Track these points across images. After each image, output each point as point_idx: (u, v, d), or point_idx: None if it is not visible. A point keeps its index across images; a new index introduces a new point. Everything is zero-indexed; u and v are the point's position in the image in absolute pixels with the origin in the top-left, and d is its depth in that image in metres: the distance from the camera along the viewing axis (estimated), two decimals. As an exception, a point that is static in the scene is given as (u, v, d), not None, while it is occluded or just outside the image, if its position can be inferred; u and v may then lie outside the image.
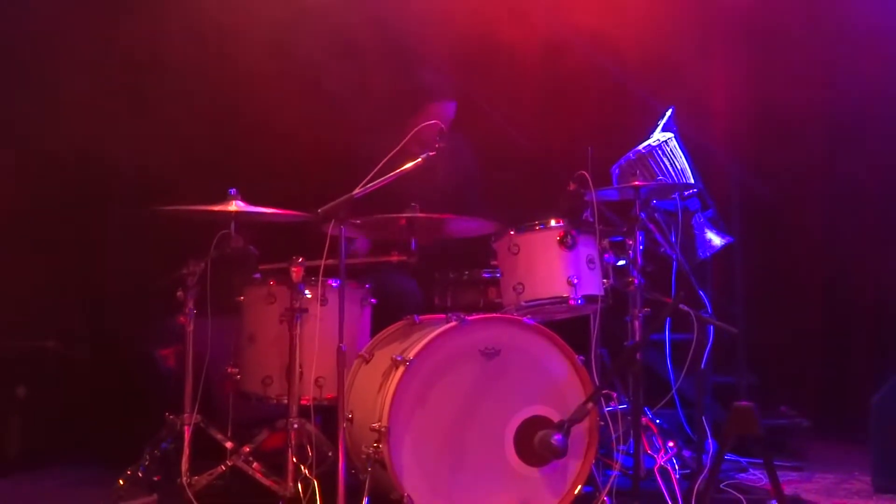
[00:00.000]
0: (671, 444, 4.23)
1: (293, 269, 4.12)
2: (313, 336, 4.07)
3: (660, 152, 4.57)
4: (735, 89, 6.02)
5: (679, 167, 4.61)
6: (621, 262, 4.34)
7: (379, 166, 3.85)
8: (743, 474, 4.65)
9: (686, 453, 4.40)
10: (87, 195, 5.69)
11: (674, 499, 3.95)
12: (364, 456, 3.82)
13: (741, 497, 4.15)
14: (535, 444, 3.79)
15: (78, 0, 5.48)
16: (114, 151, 5.61)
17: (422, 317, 4.22)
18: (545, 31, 5.72)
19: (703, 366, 4.26)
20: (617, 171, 4.61)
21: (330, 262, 3.87)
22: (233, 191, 4.18)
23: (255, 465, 4.15)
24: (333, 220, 3.84)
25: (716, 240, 4.85)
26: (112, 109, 5.44)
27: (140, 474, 4.17)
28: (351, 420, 4.03)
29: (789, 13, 5.86)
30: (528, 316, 4.11)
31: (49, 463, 5.11)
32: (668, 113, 4.72)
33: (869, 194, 5.88)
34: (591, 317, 4.28)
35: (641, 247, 4.28)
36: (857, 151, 5.88)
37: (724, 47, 6.08)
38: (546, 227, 4.24)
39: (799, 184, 6.09)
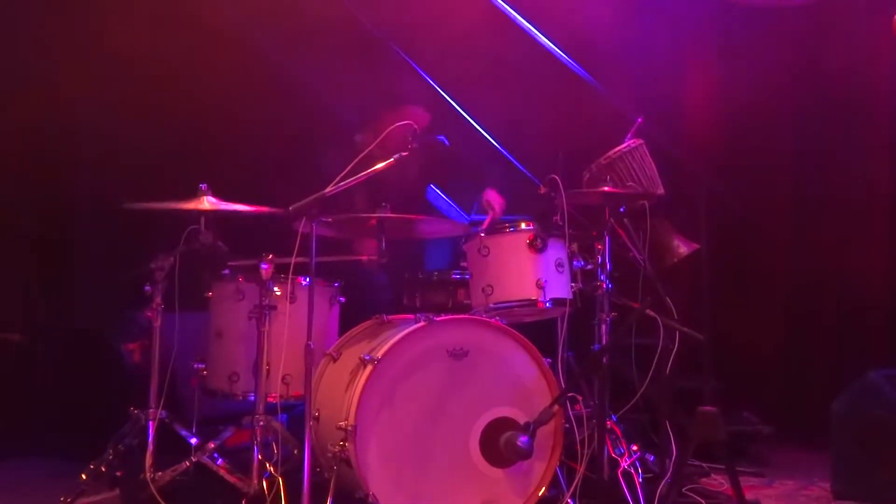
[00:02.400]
0: (635, 447, 4.25)
1: (262, 265, 4.11)
2: (281, 333, 4.07)
3: (630, 158, 4.60)
4: (704, 97, 6.08)
5: (649, 174, 4.65)
6: (590, 266, 4.37)
7: (352, 165, 3.85)
8: (705, 479, 4.69)
9: (649, 457, 4.43)
10: (56, 188, 5.63)
11: (637, 502, 3.97)
12: (330, 454, 3.82)
13: (703, 501, 4.19)
14: (500, 446, 3.81)
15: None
16: (83, 144, 5.58)
17: (390, 316, 4.22)
18: (520, 36, 5.74)
19: (667, 371, 4.29)
20: (587, 175, 4.63)
21: (300, 259, 3.86)
22: (203, 185, 4.15)
23: (219, 461, 4.13)
24: (304, 218, 3.84)
25: (682, 247, 4.89)
26: (81, 101, 5.39)
27: (103, 469, 4.14)
28: (317, 418, 4.03)
29: (757, 22, 5.93)
30: (497, 317, 4.12)
31: (11, 456, 5.05)
32: (639, 121, 4.76)
33: (834, 202, 5.94)
34: (559, 320, 4.30)
35: (609, 251, 4.31)
36: (823, 160, 5.95)
37: (694, 55, 6.14)
38: (516, 229, 4.26)
39: (765, 192, 6.15)
